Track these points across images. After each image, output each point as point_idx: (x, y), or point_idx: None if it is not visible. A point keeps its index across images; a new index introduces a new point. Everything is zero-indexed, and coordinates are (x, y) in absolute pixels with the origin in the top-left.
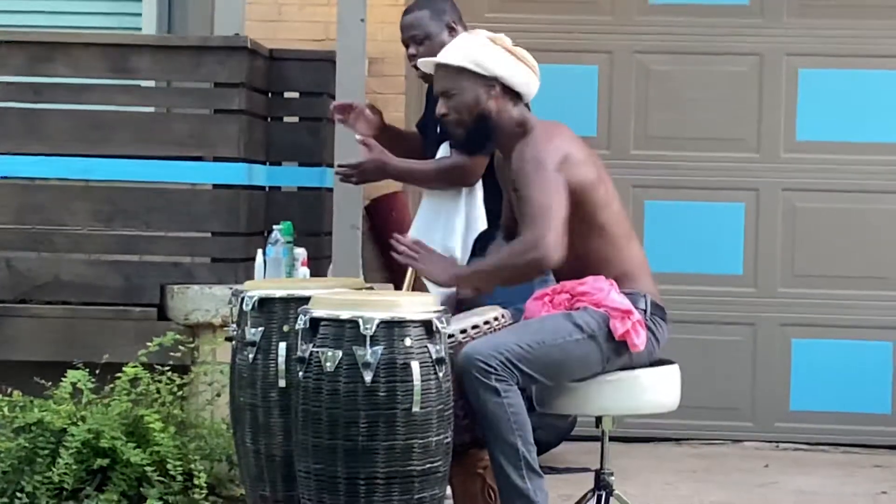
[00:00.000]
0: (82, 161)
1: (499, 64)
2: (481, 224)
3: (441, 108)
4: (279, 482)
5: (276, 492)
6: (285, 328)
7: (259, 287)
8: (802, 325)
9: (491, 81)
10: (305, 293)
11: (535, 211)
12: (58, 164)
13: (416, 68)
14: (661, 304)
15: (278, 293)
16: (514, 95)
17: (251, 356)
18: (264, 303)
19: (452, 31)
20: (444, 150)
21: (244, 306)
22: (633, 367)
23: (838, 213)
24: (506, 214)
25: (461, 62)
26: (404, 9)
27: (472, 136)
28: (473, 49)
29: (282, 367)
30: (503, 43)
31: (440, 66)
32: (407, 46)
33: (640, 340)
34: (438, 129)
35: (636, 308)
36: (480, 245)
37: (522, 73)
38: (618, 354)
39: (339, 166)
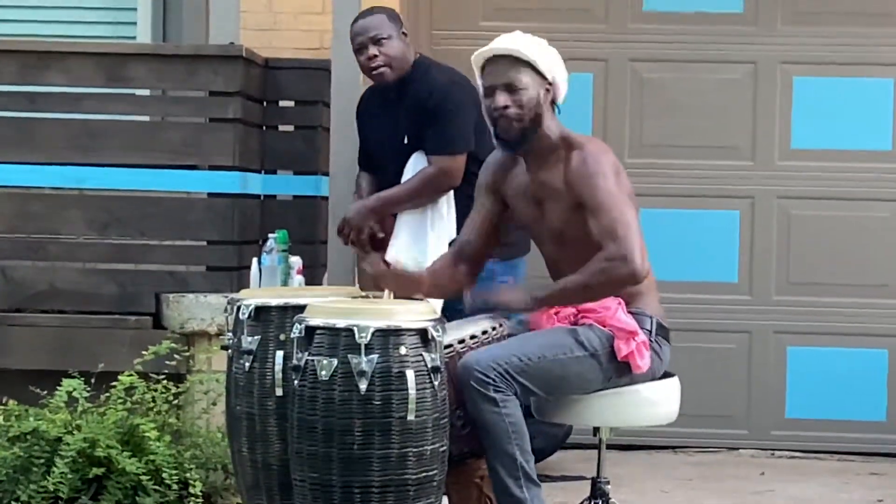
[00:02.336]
0: (77, 170)
1: (556, 67)
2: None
3: (504, 100)
4: (276, 491)
5: (272, 500)
6: (282, 337)
7: (255, 295)
8: (798, 332)
9: (548, 84)
10: (301, 301)
11: (617, 225)
12: (52, 172)
13: (373, 69)
14: (666, 325)
15: (274, 302)
16: (553, 104)
17: (247, 365)
18: (261, 311)
19: (405, 37)
20: (415, 160)
21: (240, 315)
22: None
23: (833, 220)
24: (478, 222)
25: (533, 56)
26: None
27: (521, 135)
28: (539, 47)
29: (278, 375)
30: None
31: (504, 57)
32: (361, 51)
33: (643, 362)
34: (406, 139)
35: (642, 329)
36: None
37: (566, 82)
38: (620, 374)
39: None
